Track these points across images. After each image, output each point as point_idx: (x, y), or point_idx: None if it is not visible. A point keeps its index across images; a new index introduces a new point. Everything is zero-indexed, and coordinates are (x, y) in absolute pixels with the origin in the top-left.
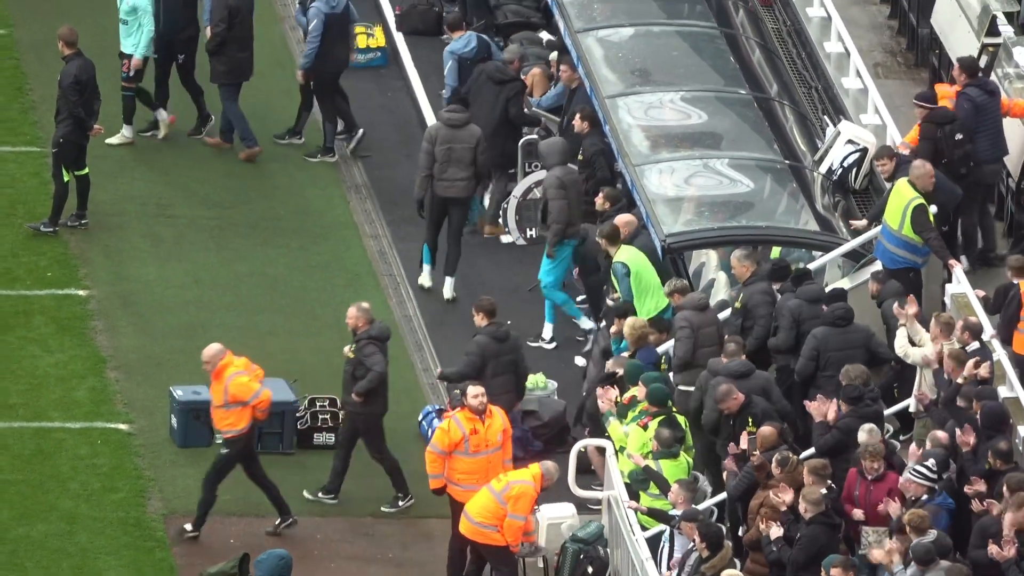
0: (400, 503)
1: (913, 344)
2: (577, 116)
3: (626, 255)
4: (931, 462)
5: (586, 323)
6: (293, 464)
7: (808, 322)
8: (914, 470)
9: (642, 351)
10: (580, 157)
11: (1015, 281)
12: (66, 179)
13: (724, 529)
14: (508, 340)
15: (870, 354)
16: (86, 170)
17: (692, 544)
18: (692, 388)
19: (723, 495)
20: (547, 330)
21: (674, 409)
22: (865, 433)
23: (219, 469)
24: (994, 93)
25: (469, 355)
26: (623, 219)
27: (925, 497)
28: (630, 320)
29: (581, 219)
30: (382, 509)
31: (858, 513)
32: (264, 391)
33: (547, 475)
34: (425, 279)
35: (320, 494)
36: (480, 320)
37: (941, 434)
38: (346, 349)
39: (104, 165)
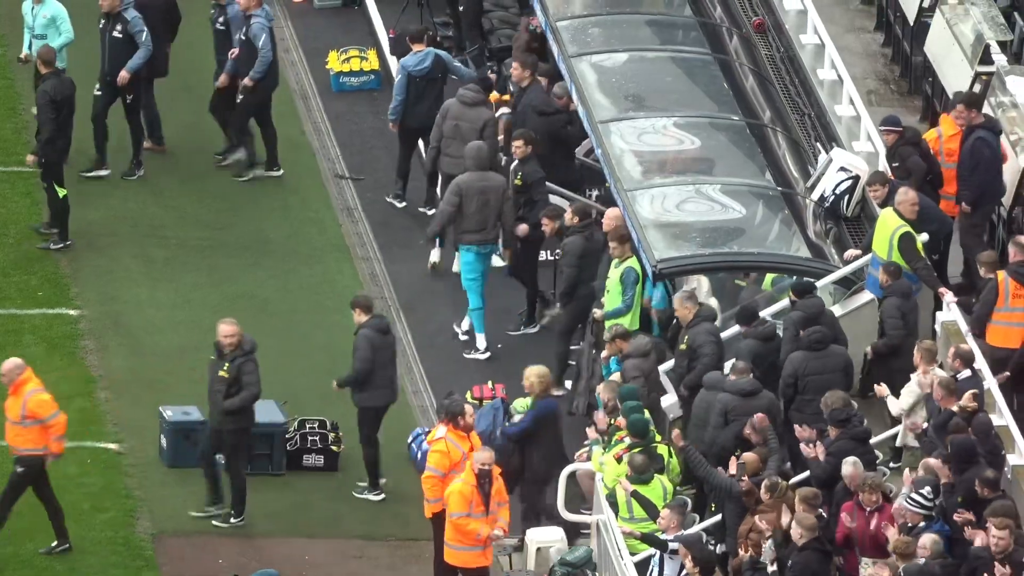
0: (231, 520)
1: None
2: (520, 140)
3: (636, 263)
4: (927, 490)
5: (480, 341)
6: (282, 485)
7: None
8: (910, 498)
9: (543, 402)
10: (518, 182)
11: (988, 276)
12: (61, 194)
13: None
14: (390, 333)
15: (848, 378)
16: (64, 192)
17: (683, 569)
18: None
19: (713, 520)
20: (479, 340)
21: (657, 439)
22: (850, 466)
23: (13, 487)
24: (999, 133)
25: (358, 351)
26: (614, 213)
27: (922, 524)
28: (536, 369)
29: (494, 225)
30: (213, 524)
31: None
32: (61, 414)
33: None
34: (435, 255)
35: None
36: (359, 316)
37: (933, 461)
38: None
39: (96, 186)
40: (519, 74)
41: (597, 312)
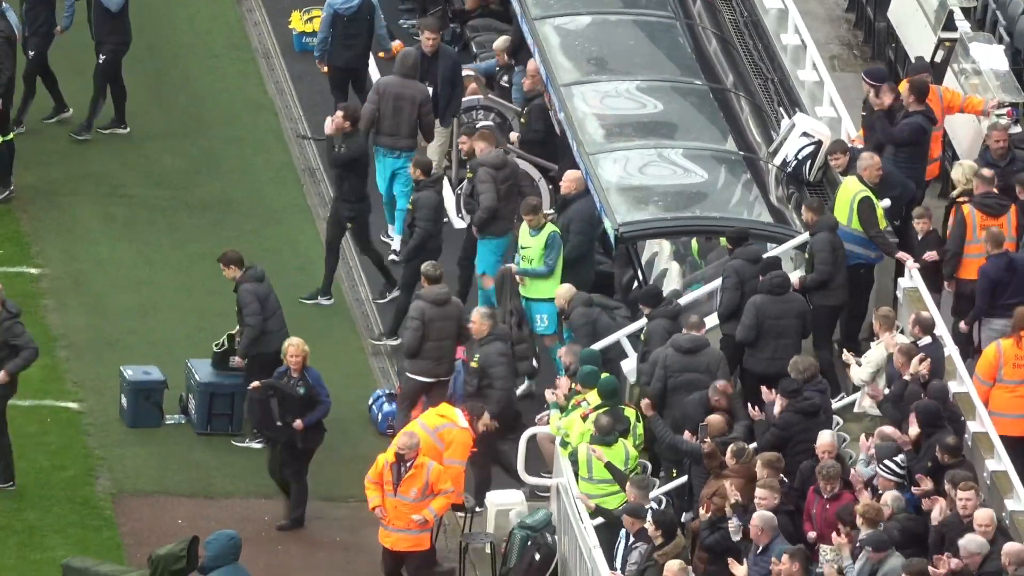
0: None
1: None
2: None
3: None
4: (900, 457)
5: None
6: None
7: (750, 282)
8: (883, 465)
9: (310, 370)
10: (470, 175)
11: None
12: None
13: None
14: (266, 279)
15: (804, 325)
16: (11, 136)
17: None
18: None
19: (676, 482)
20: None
21: (626, 403)
22: (827, 436)
23: None
24: (934, 124)
25: (246, 306)
26: (572, 174)
27: (895, 492)
28: (297, 341)
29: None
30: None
31: (811, 534)
32: None
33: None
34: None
35: None
36: (233, 272)
37: (889, 429)
38: None
39: (57, 144)
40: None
41: (513, 267)
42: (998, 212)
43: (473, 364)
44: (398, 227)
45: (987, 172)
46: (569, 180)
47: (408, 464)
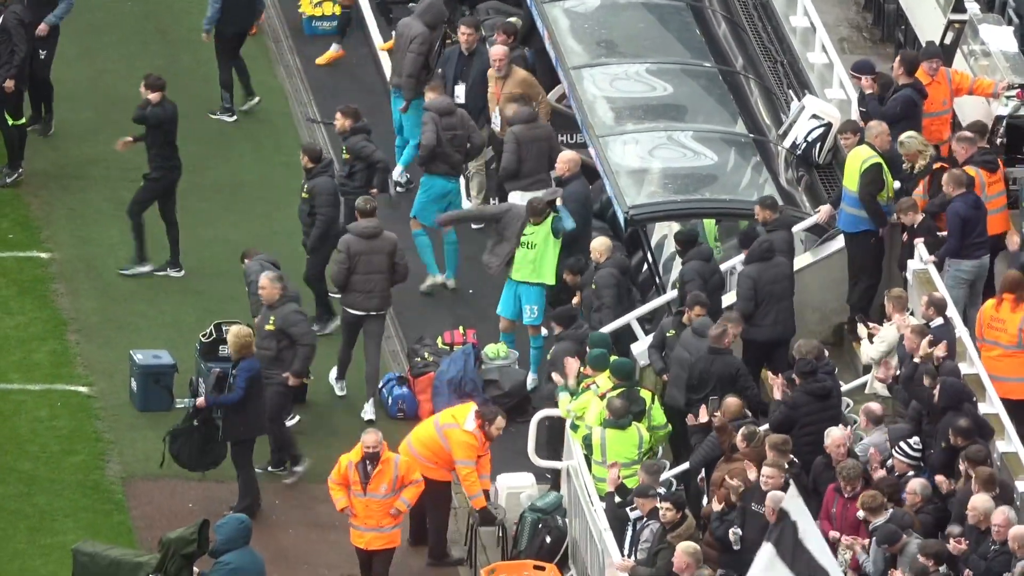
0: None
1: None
2: (338, 114)
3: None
4: (915, 440)
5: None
6: None
7: (711, 279)
8: (899, 448)
9: (246, 361)
10: (345, 155)
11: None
12: (11, 123)
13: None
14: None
15: (792, 285)
16: (23, 120)
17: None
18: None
19: (684, 466)
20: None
21: (640, 385)
22: (837, 431)
23: None
24: (924, 95)
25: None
26: (567, 155)
27: (911, 474)
28: (236, 329)
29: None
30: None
31: (833, 533)
32: None
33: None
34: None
35: None
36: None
37: (875, 406)
38: None
39: (68, 128)
40: (467, 39)
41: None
42: (996, 167)
43: (269, 327)
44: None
45: (968, 133)
46: (563, 161)
47: (376, 461)
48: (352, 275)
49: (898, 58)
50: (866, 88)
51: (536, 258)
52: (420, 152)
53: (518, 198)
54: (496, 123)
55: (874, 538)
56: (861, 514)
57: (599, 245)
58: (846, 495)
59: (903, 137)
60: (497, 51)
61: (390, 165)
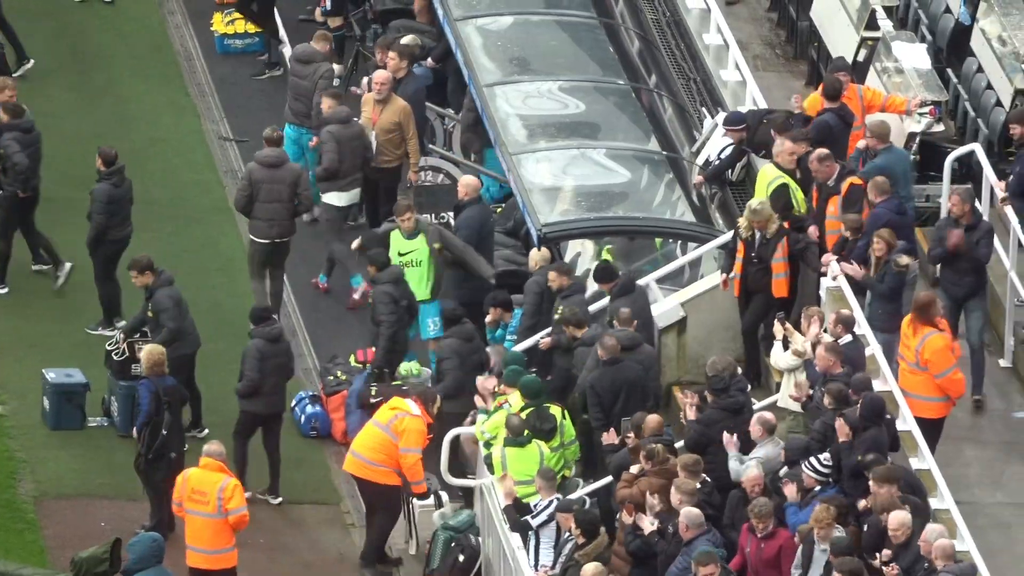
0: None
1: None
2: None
3: None
4: (824, 456)
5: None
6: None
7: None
8: (808, 464)
9: (153, 380)
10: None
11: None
12: None
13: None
14: (174, 281)
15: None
16: None
17: (561, 537)
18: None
19: (599, 483)
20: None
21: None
22: (753, 469)
23: None
24: (849, 125)
25: (165, 311)
26: (467, 179)
27: (818, 489)
28: (148, 347)
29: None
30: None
31: None
32: None
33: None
34: None
35: None
36: (145, 279)
37: (769, 415)
38: None
39: None
40: (395, 64)
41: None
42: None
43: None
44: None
45: (823, 151)
46: (464, 185)
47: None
48: (255, 203)
49: (821, 85)
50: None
51: (421, 275)
52: (322, 173)
53: (334, 199)
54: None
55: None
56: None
57: (536, 256)
58: (759, 534)
59: (754, 204)
60: (380, 75)
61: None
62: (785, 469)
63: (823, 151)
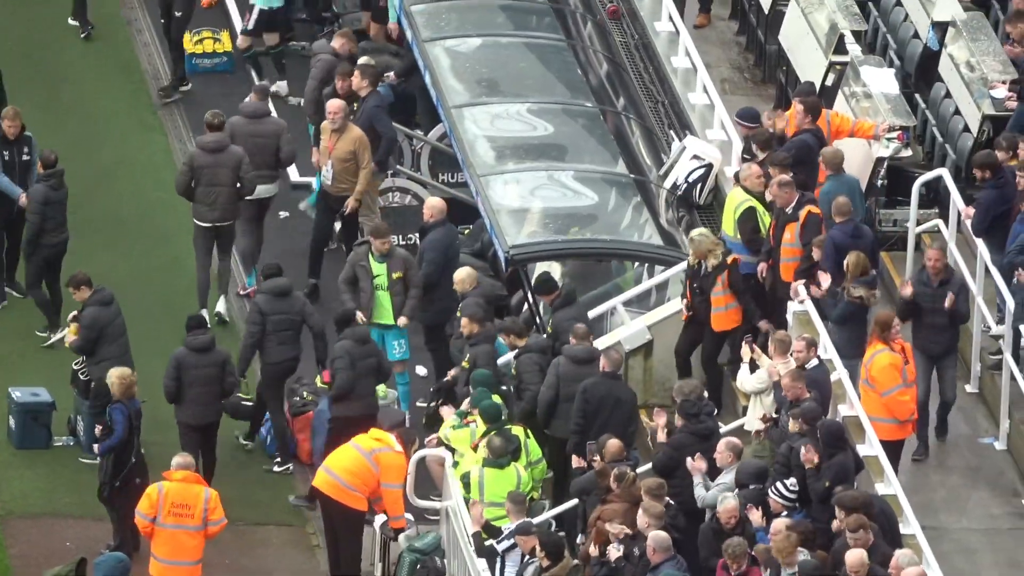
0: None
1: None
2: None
3: None
4: (791, 481)
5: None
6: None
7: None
8: (775, 489)
9: (126, 403)
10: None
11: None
12: None
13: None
14: (114, 302)
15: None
16: None
17: (525, 560)
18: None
19: (565, 506)
20: None
21: (511, 424)
22: (730, 500)
23: None
24: (824, 146)
25: (86, 330)
26: (432, 201)
27: (784, 514)
28: (118, 372)
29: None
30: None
31: None
32: None
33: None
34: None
35: None
36: (82, 295)
37: (733, 441)
38: None
39: None
40: (358, 83)
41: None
42: None
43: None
44: None
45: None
46: (429, 207)
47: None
48: (197, 187)
49: (801, 103)
50: (768, 127)
51: (388, 299)
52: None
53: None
54: (327, 176)
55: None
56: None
57: (463, 275)
58: (733, 572)
59: (693, 234)
60: (334, 104)
61: None
62: (745, 490)
63: (784, 177)
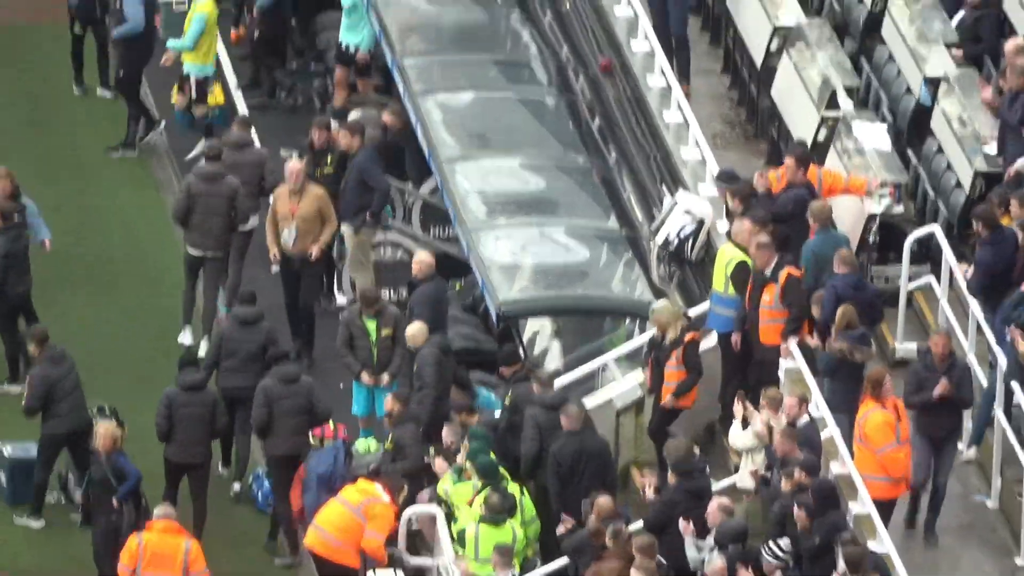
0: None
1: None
2: None
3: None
4: (784, 541)
5: None
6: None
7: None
8: (767, 549)
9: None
10: None
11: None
12: None
13: None
14: (66, 359)
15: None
16: None
17: None
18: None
19: (557, 563)
20: None
21: (507, 480)
22: (718, 560)
23: None
24: (815, 198)
25: (33, 389)
26: (421, 256)
27: (779, 575)
28: (104, 430)
29: None
30: None
31: None
32: None
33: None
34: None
35: None
36: (33, 351)
37: (725, 502)
38: None
39: None
40: (347, 141)
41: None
42: None
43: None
44: None
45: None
46: (418, 263)
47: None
48: (192, 215)
49: (793, 157)
50: (757, 185)
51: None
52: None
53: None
54: (289, 239)
55: None
56: None
57: (414, 331)
58: None
59: (655, 305)
60: (293, 166)
61: None
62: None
63: (762, 238)
